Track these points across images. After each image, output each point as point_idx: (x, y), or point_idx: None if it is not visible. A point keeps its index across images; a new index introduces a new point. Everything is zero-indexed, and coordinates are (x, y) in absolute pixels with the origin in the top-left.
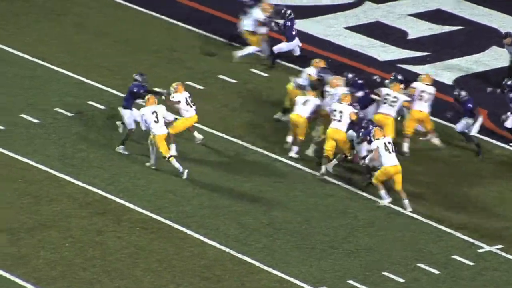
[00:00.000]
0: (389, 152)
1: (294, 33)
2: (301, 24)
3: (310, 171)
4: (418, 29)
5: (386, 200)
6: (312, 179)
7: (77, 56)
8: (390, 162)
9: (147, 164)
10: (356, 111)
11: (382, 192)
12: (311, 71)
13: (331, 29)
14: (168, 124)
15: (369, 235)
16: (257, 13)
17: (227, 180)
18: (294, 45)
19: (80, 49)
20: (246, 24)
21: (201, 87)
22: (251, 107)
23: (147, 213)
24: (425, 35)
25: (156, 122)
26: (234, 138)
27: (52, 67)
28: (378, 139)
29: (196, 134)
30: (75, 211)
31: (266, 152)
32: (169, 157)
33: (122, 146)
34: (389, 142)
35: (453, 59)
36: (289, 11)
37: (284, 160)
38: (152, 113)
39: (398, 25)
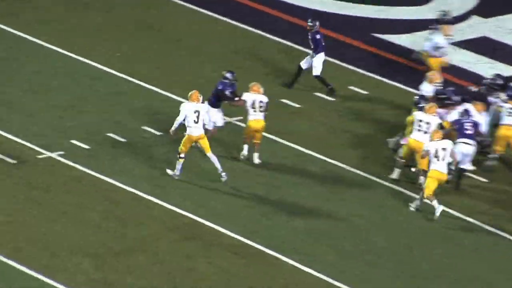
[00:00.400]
0: (438, 160)
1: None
2: (403, 40)
3: (412, 194)
4: None
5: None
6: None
7: (163, 70)
8: (436, 167)
9: (170, 172)
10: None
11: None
12: (426, 88)
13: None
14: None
15: (474, 262)
16: (439, 38)
17: (323, 204)
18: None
19: (167, 64)
20: (427, 47)
21: (297, 105)
22: (350, 126)
23: (239, 237)
24: None
25: (196, 122)
26: (332, 160)
27: (139, 82)
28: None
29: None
30: (164, 234)
31: (365, 174)
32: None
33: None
34: (443, 148)
35: None
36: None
37: (385, 183)
38: (195, 112)
39: (507, 41)
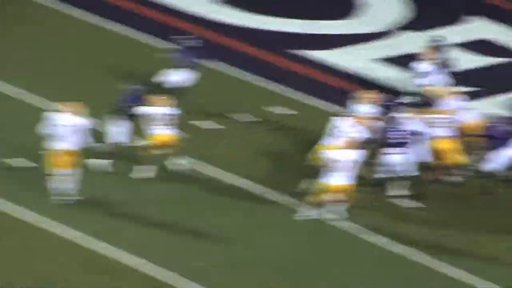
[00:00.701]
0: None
1: None
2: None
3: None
4: (464, 60)
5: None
6: None
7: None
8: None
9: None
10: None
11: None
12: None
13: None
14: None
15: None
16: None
17: (243, 231)
18: None
19: None
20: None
21: (219, 127)
22: (270, 148)
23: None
24: (471, 68)
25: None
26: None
27: None
28: None
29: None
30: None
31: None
32: None
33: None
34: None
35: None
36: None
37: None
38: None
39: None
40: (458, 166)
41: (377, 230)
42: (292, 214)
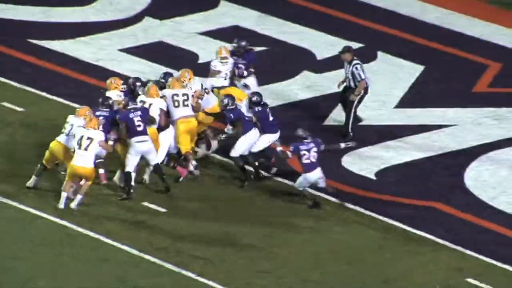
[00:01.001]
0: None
1: None
2: (66, 46)
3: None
4: (212, 51)
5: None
6: None
7: None
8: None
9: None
10: None
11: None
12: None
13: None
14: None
15: None
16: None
17: None
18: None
19: None
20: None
21: None
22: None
23: None
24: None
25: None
26: None
27: None
28: None
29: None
30: None
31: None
32: None
33: None
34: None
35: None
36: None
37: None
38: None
39: (187, 46)
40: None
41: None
42: None
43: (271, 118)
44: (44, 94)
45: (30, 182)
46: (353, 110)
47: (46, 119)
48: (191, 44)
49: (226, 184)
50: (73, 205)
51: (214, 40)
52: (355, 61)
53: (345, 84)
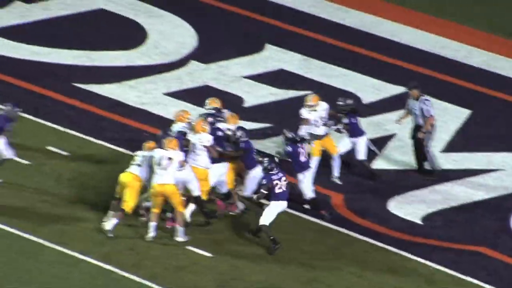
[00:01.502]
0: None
1: None
2: (111, 90)
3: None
4: (257, 94)
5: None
6: None
7: None
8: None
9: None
10: None
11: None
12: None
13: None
14: None
15: None
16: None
17: None
18: None
19: None
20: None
21: None
22: (49, 195)
23: None
24: (266, 102)
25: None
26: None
27: None
28: None
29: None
30: None
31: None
32: None
33: None
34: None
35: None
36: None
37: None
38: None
39: (232, 90)
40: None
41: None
42: None
43: (303, 159)
44: (88, 138)
45: (108, 224)
46: (426, 148)
47: (91, 162)
48: (236, 88)
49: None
50: (179, 238)
51: (259, 84)
52: (423, 97)
53: (402, 119)
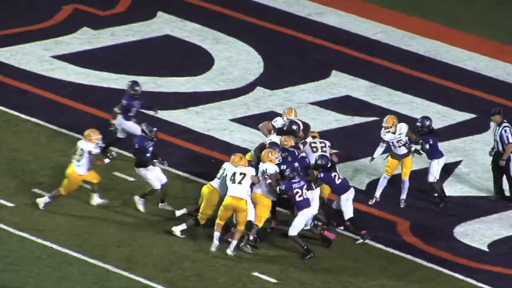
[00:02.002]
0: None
1: None
2: (177, 116)
3: None
4: (323, 121)
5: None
6: None
7: None
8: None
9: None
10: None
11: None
12: None
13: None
14: None
15: None
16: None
17: None
18: None
19: None
20: None
21: None
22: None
23: None
24: (331, 128)
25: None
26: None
27: None
28: None
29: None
30: None
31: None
32: None
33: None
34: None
35: (363, 158)
36: None
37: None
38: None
39: (298, 116)
40: None
41: None
42: None
43: (338, 181)
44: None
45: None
46: (510, 174)
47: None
48: (302, 114)
49: (332, 253)
50: (229, 251)
51: (325, 110)
52: (505, 124)
53: (494, 149)
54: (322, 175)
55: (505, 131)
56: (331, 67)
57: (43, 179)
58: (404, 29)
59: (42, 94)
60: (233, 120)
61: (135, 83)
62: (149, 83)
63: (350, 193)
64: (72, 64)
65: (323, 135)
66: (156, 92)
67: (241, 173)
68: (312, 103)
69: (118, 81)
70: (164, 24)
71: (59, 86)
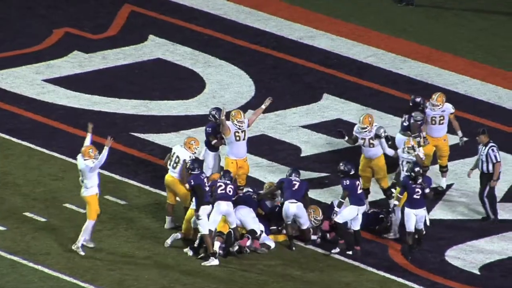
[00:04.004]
0: None
1: None
2: (169, 139)
3: None
4: (314, 144)
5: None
6: None
7: None
8: None
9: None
10: None
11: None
12: None
13: None
14: None
15: None
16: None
17: None
18: None
19: None
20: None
21: (43, 219)
22: None
23: None
24: (322, 151)
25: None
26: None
27: None
28: None
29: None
30: None
31: None
32: None
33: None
34: None
35: None
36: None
37: None
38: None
39: (289, 139)
40: None
41: None
42: None
43: (359, 191)
44: (146, 187)
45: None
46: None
47: (148, 211)
48: (293, 137)
49: (324, 276)
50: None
51: (316, 133)
52: (491, 144)
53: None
54: (347, 182)
55: (492, 150)
56: (323, 90)
57: (35, 203)
58: (395, 52)
59: (34, 117)
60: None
61: (218, 109)
62: (141, 107)
63: (362, 207)
64: (63, 88)
65: (315, 158)
66: (147, 116)
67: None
68: (304, 126)
69: (109, 104)
70: (155, 48)
71: (51, 110)
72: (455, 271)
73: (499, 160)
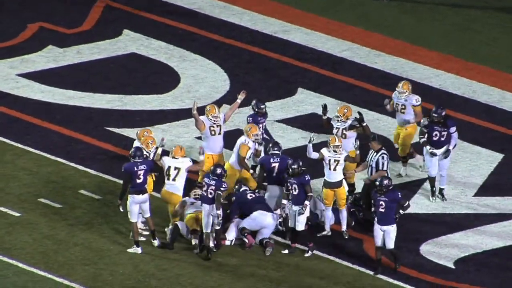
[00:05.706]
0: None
1: None
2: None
3: None
4: (290, 138)
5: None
6: None
7: None
8: None
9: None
10: None
11: None
12: None
13: (181, 139)
14: None
15: None
16: None
17: None
18: None
19: None
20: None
21: (17, 214)
22: (82, 238)
23: None
24: (297, 146)
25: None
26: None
27: None
28: None
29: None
30: None
31: None
32: None
33: None
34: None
35: None
36: None
37: None
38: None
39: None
40: None
41: None
42: None
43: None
44: (121, 182)
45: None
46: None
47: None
48: (269, 131)
49: (300, 271)
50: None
51: (291, 128)
52: (383, 151)
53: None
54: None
55: (382, 157)
56: (297, 84)
57: (9, 198)
58: (370, 46)
59: (8, 112)
60: (199, 138)
61: (259, 101)
62: (115, 101)
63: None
64: (37, 82)
65: (290, 152)
66: (122, 110)
67: (175, 168)
68: (278, 121)
69: (84, 99)
70: (130, 42)
71: (25, 104)
72: (430, 265)
73: (385, 169)
